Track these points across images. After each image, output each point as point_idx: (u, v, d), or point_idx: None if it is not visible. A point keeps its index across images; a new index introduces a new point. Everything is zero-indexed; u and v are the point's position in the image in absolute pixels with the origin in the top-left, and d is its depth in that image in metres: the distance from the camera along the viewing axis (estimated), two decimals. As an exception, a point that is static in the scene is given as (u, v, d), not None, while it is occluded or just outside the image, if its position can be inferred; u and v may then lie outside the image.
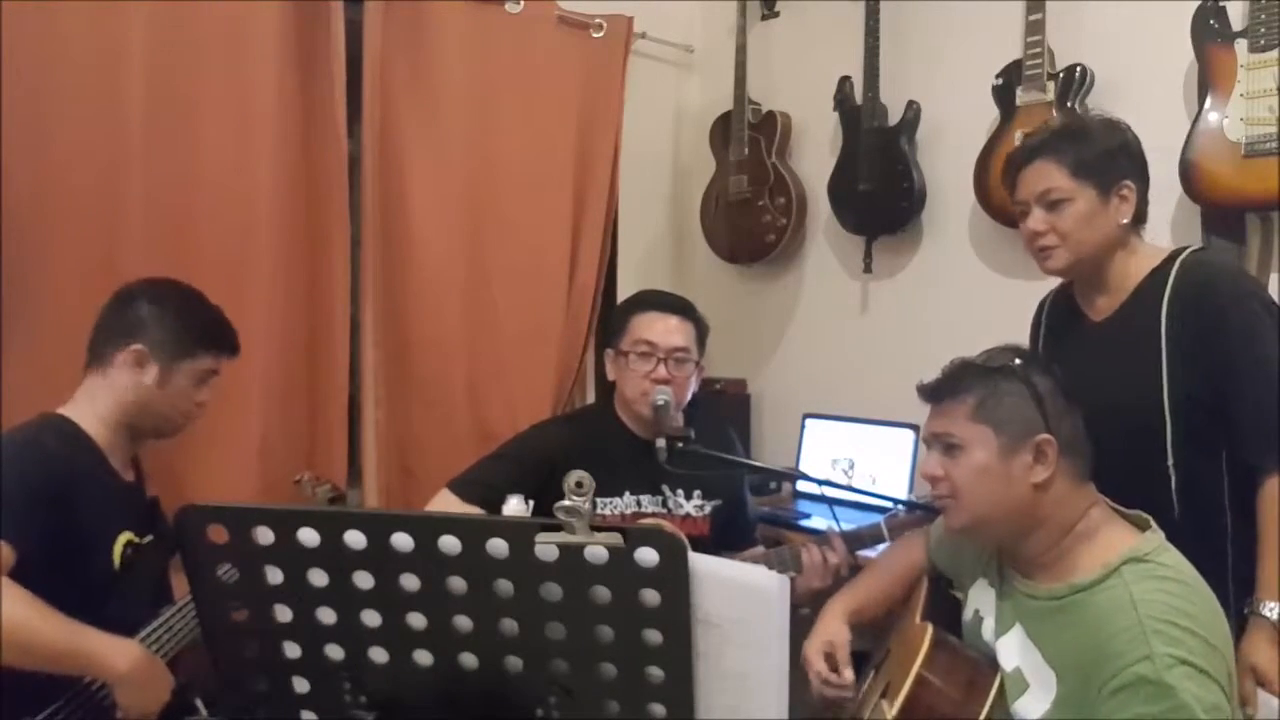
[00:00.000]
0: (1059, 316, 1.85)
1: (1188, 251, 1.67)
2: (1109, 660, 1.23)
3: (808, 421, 2.95)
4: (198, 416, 1.79)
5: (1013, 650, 1.41)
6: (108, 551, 1.66)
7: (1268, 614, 1.50)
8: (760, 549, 2.22)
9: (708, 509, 2.11)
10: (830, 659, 1.56)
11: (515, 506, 1.77)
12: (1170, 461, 1.60)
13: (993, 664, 1.43)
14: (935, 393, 1.45)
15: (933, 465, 1.44)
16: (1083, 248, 1.66)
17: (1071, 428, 1.39)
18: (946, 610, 1.60)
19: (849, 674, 1.54)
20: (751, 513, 2.28)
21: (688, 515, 2.09)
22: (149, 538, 1.75)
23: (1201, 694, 1.19)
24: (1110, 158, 1.66)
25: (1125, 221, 1.66)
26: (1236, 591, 1.52)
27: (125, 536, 1.69)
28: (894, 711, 1.38)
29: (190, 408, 1.76)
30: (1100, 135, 1.68)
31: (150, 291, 1.75)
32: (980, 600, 1.53)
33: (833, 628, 1.60)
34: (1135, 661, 1.21)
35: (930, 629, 1.46)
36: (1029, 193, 1.68)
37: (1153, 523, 1.38)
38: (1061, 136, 1.70)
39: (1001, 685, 1.40)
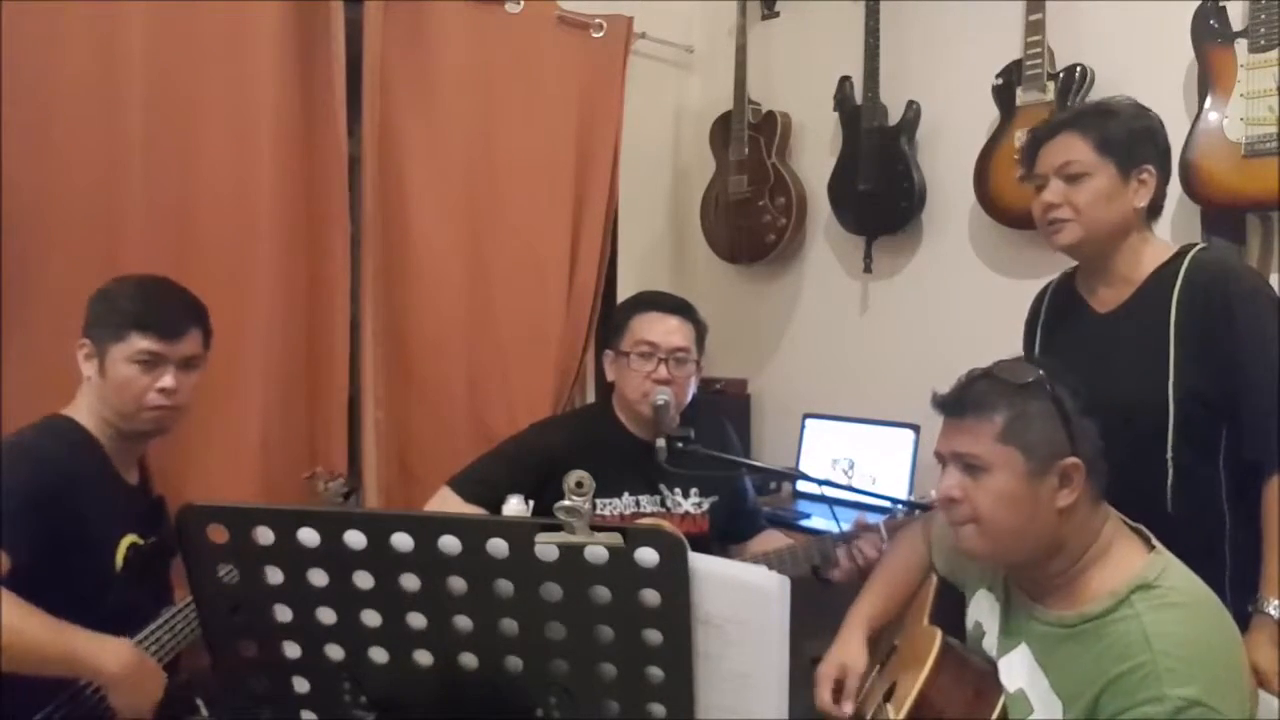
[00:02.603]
0: (1060, 307, 1.83)
1: (1198, 248, 1.67)
2: (1120, 696, 1.22)
3: (808, 421, 2.95)
4: (165, 405, 1.67)
5: (1018, 671, 1.38)
6: (110, 554, 1.66)
7: (1272, 612, 1.50)
8: (775, 533, 2.25)
9: (706, 506, 2.11)
10: (839, 684, 1.52)
11: (515, 506, 1.78)
12: (1169, 457, 1.59)
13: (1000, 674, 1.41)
14: (955, 407, 1.37)
15: (952, 486, 1.35)
16: (1095, 225, 1.64)
17: (1092, 447, 1.33)
18: (954, 608, 1.58)
19: (849, 709, 1.50)
20: (753, 500, 2.30)
21: (687, 513, 2.09)
22: (153, 538, 1.74)
23: None
24: (1135, 139, 1.65)
25: (1141, 206, 1.65)
26: (1233, 594, 1.52)
27: (129, 539, 1.69)
28: (900, 716, 1.37)
29: (141, 394, 1.65)
30: (1127, 116, 1.68)
31: (105, 285, 1.72)
32: (983, 613, 1.50)
33: (851, 648, 1.55)
34: (1146, 701, 1.19)
35: (939, 635, 1.44)
36: (1049, 165, 1.67)
37: (1155, 540, 1.35)
38: (1089, 113, 1.70)
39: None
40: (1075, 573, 1.34)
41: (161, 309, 1.69)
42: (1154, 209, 1.69)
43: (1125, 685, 1.22)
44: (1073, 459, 1.31)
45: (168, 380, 1.67)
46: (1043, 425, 1.31)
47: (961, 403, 1.37)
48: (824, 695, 1.52)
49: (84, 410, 1.68)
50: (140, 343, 1.65)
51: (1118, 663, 1.23)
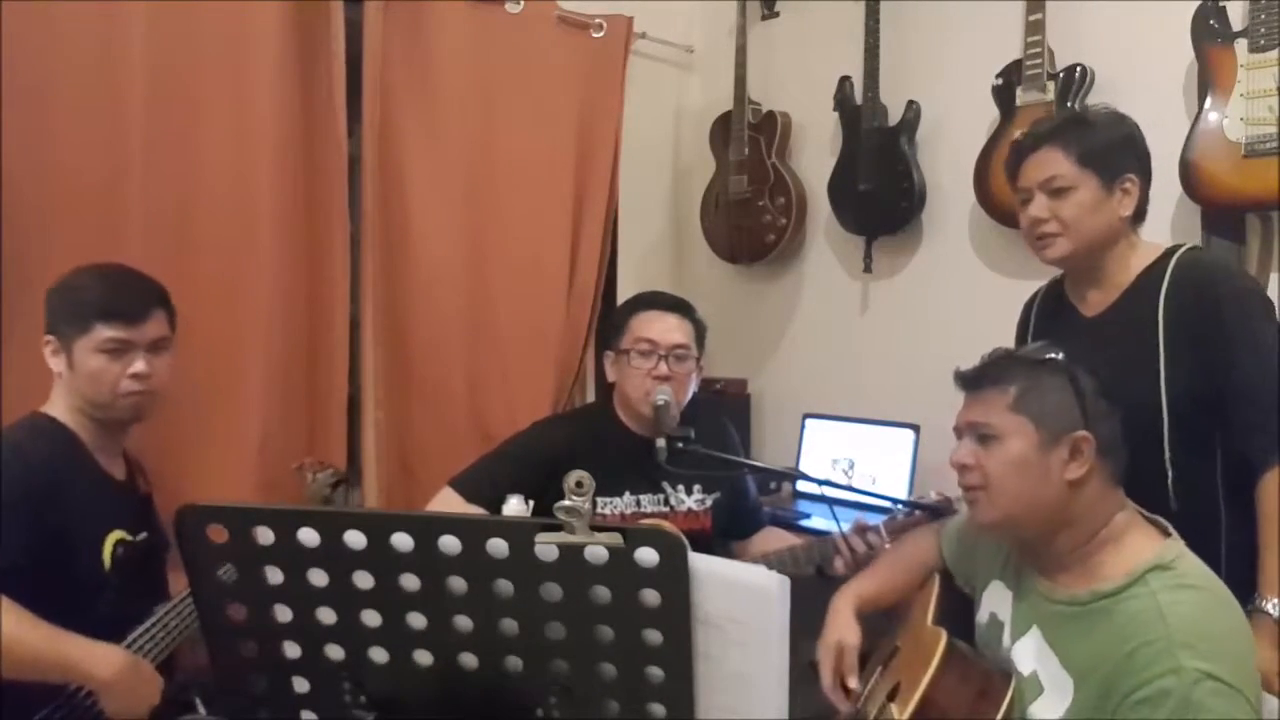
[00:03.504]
0: (1049, 312, 1.84)
1: (1184, 249, 1.68)
2: (1134, 671, 1.22)
3: (808, 421, 2.95)
4: (140, 390, 1.66)
5: (1029, 654, 1.40)
6: (97, 551, 1.65)
7: (1270, 611, 1.50)
8: (777, 530, 2.25)
9: (709, 503, 2.12)
10: (840, 662, 1.54)
11: (515, 506, 1.78)
12: (1168, 457, 1.60)
13: (1005, 675, 1.41)
14: (974, 381, 1.42)
15: (965, 454, 1.40)
16: (1083, 237, 1.66)
17: (1110, 430, 1.36)
18: (956, 610, 1.59)
19: (852, 682, 1.52)
20: (754, 498, 2.30)
21: (690, 511, 2.09)
22: (142, 535, 1.73)
23: (1227, 709, 1.17)
24: (1115, 149, 1.66)
25: (1126, 215, 1.66)
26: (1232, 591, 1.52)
27: (116, 535, 1.68)
28: (904, 716, 1.37)
29: (114, 382, 1.64)
30: (1106, 127, 1.69)
31: (61, 280, 1.70)
32: (997, 604, 1.51)
33: (844, 625, 1.58)
34: (1162, 675, 1.19)
35: (944, 635, 1.45)
36: (1032, 180, 1.68)
37: (1172, 529, 1.37)
38: (1068, 126, 1.71)
39: (1013, 697, 1.38)
40: (1087, 552, 1.36)
41: (122, 295, 1.67)
42: (1139, 214, 1.70)
43: (1140, 660, 1.22)
44: (1083, 432, 1.33)
45: (139, 365, 1.66)
46: (1056, 398, 1.35)
47: (979, 377, 1.42)
48: (826, 680, 1.54)
49: (60, 406, 1.67)
50: (105, 332, 1.63)
51: (1131, 639, 1.24)
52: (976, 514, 1.42)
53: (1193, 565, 1.31)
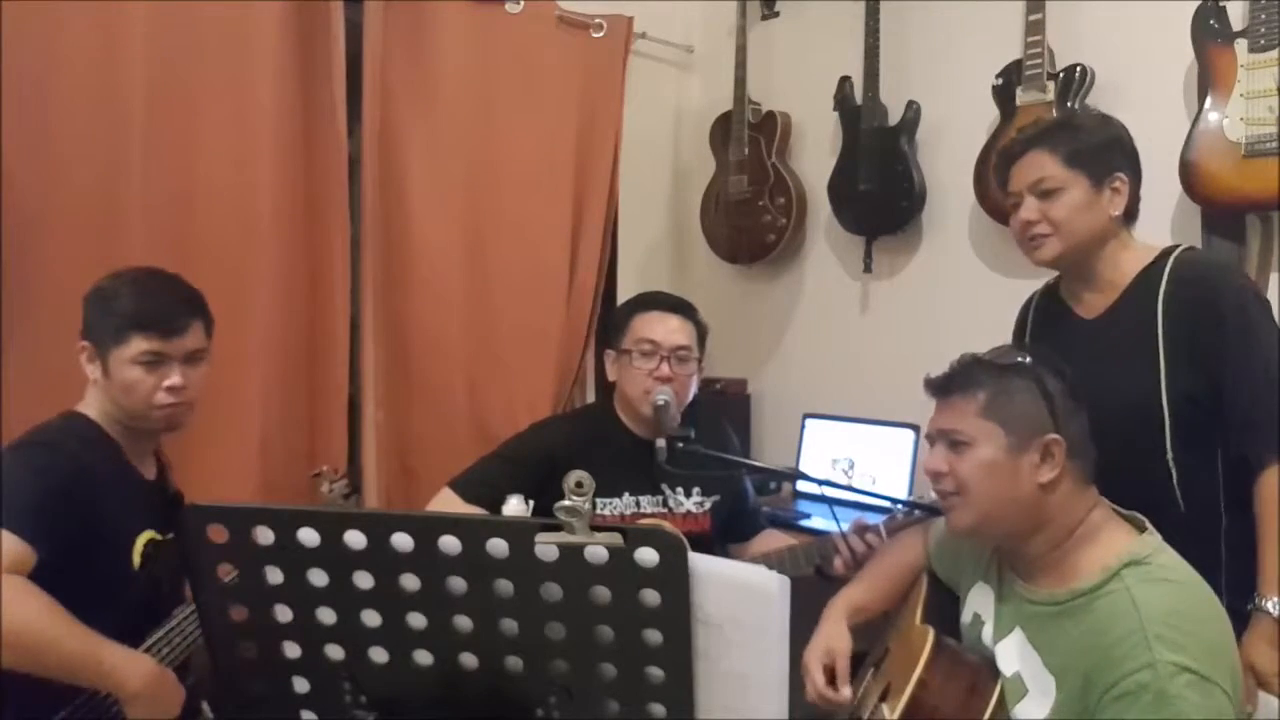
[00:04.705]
0: (1046, 316, 1.84)
1: (1180, 249, 1.68)
2: (1111, 666, 1.22)
3: (808, 421, 2.95)
4: (175, 402, 1.64)
5: (1012, 655, 1.40)
6: (128, 551, 1.64)
7: (1270, 609, 1.50)
8: (776, 533, 2.24)
9: (708, 505, 2.11)
10: (829, 670, 1.54)
11: (515, 506, 1.78)
12: (1170, 457, 1.60)
13: (994, 669, 1.42)
14: (943, 388, 1.43)
15: (937, 461, 1.41)
16: (1074, 237, 1.66)
17: (1078, 429, 1.37)
18: (945, 609, 1.59)
19: (846, 692, 1.52)
20: (753, 500, 2.30)
21: (689, 513, 2.09)
22: (171, 534, 1.71)
23: (1203, 702, 1.18)
24: (1103, 150, 1.67)
25: (1117, 214, 1.67)
26: (1230, 592, 1.52)
27: (146, 535, 1.67)
28: (895, 715, 1.37)
29: (149, 394, 1.62)
30: (1093, 128, 1.70)
31: (98, 285, 1.67)
32: (979, 604, 1.52)
33: (834, 633, 1.58)
34: (1138, 669, 1.20)
35: (932, 632, 1.45)
36: (1022, 183, 1.69)
37: (1148, 524, 1.37)
38: (1054, 128, 1.73)
39: (1003, 690, 1.39)
40: (1064, 551, 1.37)
41: (159, 306, 1.64)
42: (1130, 214, 1.70)
43: (1116, 655, 1.23)
44: (1054, 435, 1.34)
45: (175, 379, 1.63)
46: (1024, 402, 1.36)
47: (948, 384, 1.43)
48: (817, 681, 1.53)
49: (94, 407, 1.66)
50: (141, 344, 1.60)
51: (1107, 634, 1.25)
52: (952, 520, 1.43)
53: (1169, 559, 1.32)
